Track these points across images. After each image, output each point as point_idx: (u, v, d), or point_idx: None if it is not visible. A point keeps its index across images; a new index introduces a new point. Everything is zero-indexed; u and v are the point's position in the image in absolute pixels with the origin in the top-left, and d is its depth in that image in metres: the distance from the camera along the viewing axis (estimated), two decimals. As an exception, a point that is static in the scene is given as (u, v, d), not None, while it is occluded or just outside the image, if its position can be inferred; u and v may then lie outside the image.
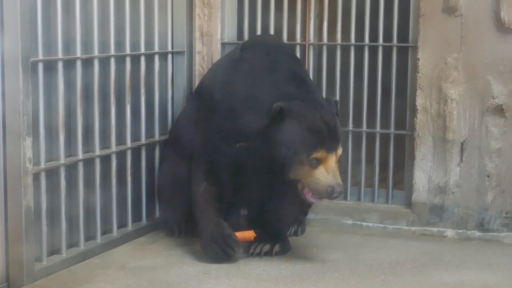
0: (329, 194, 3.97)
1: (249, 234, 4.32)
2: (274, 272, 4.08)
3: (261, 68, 4.32)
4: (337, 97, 4.99)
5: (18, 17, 3.69)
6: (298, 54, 5.04)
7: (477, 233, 4.75)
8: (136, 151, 4.70)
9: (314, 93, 4.23)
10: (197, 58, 5.15)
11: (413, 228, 4.85)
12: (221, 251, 4.21)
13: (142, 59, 4.70)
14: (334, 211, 4.99)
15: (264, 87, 4.19)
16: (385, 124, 5.02)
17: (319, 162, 3.99)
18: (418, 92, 4.80)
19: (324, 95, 5.01)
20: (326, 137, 4.00)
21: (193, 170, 4.46)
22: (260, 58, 4.41)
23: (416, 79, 4.81)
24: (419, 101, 4.81)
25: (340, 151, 4.08)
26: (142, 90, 4.71)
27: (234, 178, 4.36)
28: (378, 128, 5.03)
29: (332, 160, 4.02)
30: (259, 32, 5.14)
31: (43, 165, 3.95)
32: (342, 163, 4.98)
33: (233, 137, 4.25)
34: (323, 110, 4.06)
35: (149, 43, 4.78)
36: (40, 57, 3.90)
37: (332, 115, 4.09)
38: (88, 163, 4.30)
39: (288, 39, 5.12)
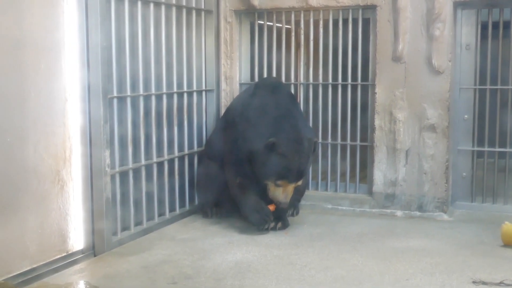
0: (278, 204, 4.14)
1: (273, 207, 4.27)
2: (277, 241, 4.08)
3: (267, 104, 4.30)
4: (320, 120, 5.01)
5: (100, 67, 3.72)
6: (292, 90, 5.04)
7: (418, 213, 4.72)
8: (181, 158, 4.69)
9: (301, 132, 4.16)
10: (222, 94, 5.14)
11: (373, 210, 4.83)
12: (261, 219, 4.19)
13: (185, 95, 4.71)
14: (319, 198, 4.97)
15: (267, 120, 4.18)
16: (353, 138, 4.99)
17: (281, 186, 4.08)
18: (376, 116, 4.79)
19: (311, 118, 5.02)
20: (292, 174, 4.06)
21: (227, 171, 4.44)
22: (267, 95, 4.39)
23: (375, 106, 4.80)
24: (377, 122, 4.80)
25: (300, 182, 4.16)
26: (185, 116, 4.72)
27: (252, 176, 4.29)
28: (348, 141, 5.00)
29: (290, 187, 4.11)
30: (265, 75, 5.14)
31: (117, 169, 3.97)
32: (323, 165, 5.01)
33: (243, 150, 4.25)
34: (300, 153, 4.07)
35: (189, 84, 4.79)
36: (115, 94, 3.93)
37: (306, 157, 4.10)
38: (148, 167, 4.31)
39: (286, 80, 5.11)
